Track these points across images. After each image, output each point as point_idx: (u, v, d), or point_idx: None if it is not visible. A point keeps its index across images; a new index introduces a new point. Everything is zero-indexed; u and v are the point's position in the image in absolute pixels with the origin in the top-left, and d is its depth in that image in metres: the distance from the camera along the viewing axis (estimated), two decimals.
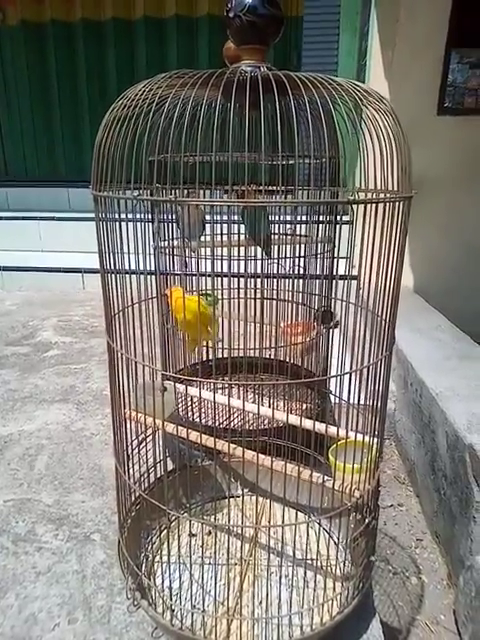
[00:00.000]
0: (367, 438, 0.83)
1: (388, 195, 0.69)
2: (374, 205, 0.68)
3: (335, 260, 1.22)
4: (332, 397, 1.29)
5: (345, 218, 0.73)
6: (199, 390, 0.86)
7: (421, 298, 2.40)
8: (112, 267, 0.78)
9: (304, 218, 1.32)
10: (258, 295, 1.35)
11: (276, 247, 1.33)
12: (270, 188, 1.00)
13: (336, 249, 1.23)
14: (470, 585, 1.08)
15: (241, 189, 1.10)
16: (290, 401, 1.35)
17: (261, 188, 0.90)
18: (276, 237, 1.33)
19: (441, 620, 1.14)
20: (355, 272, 0.76)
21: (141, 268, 0.73)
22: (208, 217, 1.24)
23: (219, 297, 1.36)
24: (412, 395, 1.57)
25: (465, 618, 1.09)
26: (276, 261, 1.31)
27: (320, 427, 0.85)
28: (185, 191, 0.93)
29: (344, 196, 0.67)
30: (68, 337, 2.35)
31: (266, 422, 1.21)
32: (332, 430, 0.85)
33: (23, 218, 3.38)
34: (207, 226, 1.23)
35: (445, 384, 1.41)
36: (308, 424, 0.85)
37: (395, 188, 0.70)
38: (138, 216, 0.72)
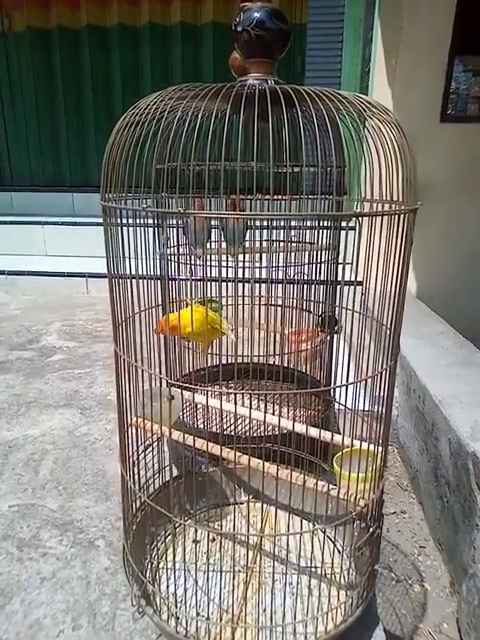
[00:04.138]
0: (372, 447, 0.84)
1: (393, 206, 0.70)
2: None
3: (338, 267, 1.23)
4: (336, 405, 1.29)
5: (350, 224, 0.74)
6: (206, 397, 0.86)
7: (424, 304, 2.40)
8: (119, 274, 0.79)
9: (308, 225, 1.33)
10: (263, 301, 1.36)
11: (281, 254, 1.34)
12: (276, 197, 1.01)
13: (340, 256, 1.24)
14: (473, 593, 1.08)
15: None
16: (295, 408, 1.35)
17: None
18: (282, 245, 1.34)
19: (444, 628, 1.13)
20: (359, 278, 0.76)
21: (148, 275, 0.74)
22: (214, 223, 1.25)
23: (224, 303, 1.37)
24: (415, 402, 1.57)
25: (468, 626, 1.09)
26: (281, 268, 1.31)
27: (325, 435, 0.85)
28: (193, 200, 0.94)
29: (349, 206, 0.68)
30: (72, 342, 2.36)
31: (271, 429, 1.21)
32: (337, 438, 0.85)
33: (28, 223, 3.40)
34: (213, 233, 1.24)
35: (448, 391, 1.42)
36: (313, 432, 0.86)
37: (400, 199, 0.71)
38: (145, 221, 0.73)
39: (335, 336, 1.25)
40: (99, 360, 2.12)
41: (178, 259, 1.18)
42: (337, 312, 1.22)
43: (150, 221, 0.79)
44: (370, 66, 2.61)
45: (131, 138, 0.71)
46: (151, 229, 0.75)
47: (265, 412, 0.75)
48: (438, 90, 2.36)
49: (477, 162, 2.41)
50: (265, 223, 1.32)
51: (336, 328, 1.23)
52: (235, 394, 0.77)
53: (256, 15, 0.73)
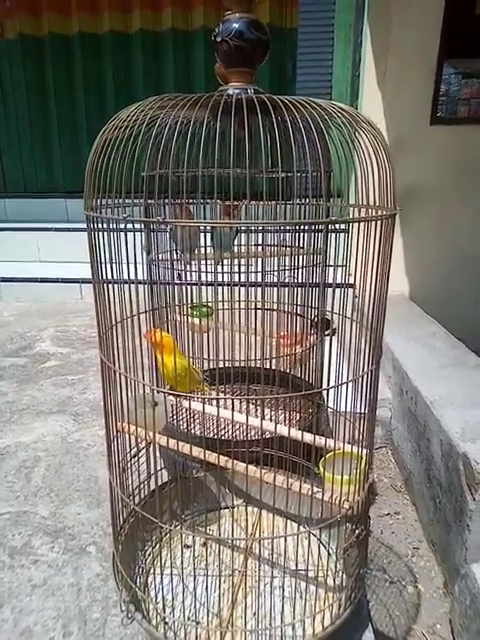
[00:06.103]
0: (357, 449, 0.84)
1: (372, 212, 0.71)
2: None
3: (323, 270, 1.24)
4: (326, 407, 1.30)
5: (335, 227, 0.75)
6: (189, 402, 0.87)
7: (417, 306, 2.41)
8: (105, 279, 0.80)
9: (287, 229, 1.33)
10: (251, 306, 1.36)
11: (269, 259, 1.34)
12: (253, 202, 1.02)
13: (327, 259, 1.25)
14: (465, 594, 1.08)
15: (234, 204, 1.12)
16: (284, 411, 1.35)
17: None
18: (269, 249, 1.35)
19: (437, 629, 1.14)
20: (340, 280, 0.77)
21: (135, 281, 0.75)
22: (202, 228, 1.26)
23: (212, 309, 1.37)
24: (408, 403, 1.58)
25: (460, 627, 1.09)
26: (266, 272, 1.32)
27: (309, 438, 0.86)
28: (180, 207, 0.95)
29: (323, 212, 0.69)
30: (66, 348, 2.36)
31: (256, 433, 1.22)
32: (321, 441, 0.86)
33: (21, 229, 3.41)
34: (201, 238, 1.25)
35: (440, 392, 1.42)
36: (297, 435, 0.86)
37: (378, 203, 0.72)
38: (130, 226, 0.74)
39: (325, 339, 1.25)
40: (92, 366, 2.13)
41: (162, 264, 1.18)
42: (325, 315, 1.23)
43: (133, 227, 0.79)
44: (360, 70, 2.63)
45: (112, 151, 0.72)
46: (132, 235, 0.76)
47: (247, 414, 0.76)
48: (428, 93, 2.38)
49: (468, 163, 2.42)
50: (251, 228, 1.33)
51: (328, 331, 1.23)
52: (217, 399, 0.78)
53: (235, 26, 0.74)
